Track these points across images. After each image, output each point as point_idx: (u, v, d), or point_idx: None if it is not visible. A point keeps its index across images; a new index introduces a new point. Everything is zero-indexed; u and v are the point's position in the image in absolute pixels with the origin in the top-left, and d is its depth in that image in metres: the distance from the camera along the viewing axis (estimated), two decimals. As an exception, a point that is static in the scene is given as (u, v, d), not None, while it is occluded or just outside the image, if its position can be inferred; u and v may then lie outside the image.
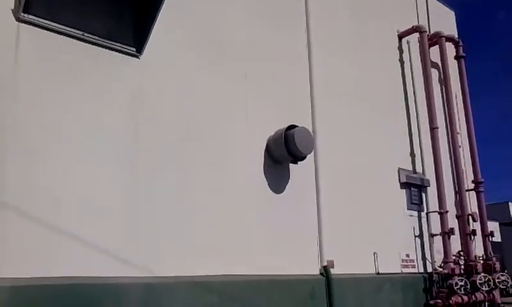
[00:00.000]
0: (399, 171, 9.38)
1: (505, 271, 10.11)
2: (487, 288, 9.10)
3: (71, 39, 5.14)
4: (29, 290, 4.29)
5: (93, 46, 5.32)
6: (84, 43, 5.24)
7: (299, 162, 7.17)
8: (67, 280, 4.55)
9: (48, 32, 4.98)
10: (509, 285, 9.64)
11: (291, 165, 7.23)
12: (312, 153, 7.30)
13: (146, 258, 5.23)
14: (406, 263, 8.83)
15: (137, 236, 5.23)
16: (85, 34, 5.23)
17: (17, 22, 4.78)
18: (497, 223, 19.48)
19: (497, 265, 9.84)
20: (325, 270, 7.14)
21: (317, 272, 7.15)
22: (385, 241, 8.45)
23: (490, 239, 10.40)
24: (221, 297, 5.72)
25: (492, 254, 10.18)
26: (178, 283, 5.37)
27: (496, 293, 9.49)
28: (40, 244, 4.51)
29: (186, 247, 5.64)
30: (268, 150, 6.97)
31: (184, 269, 5.50)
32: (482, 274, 9.16)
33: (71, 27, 5.13)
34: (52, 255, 4.57)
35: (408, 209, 9.39)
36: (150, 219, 5.38)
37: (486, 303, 9.47)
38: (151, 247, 5.31)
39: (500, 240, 18.37)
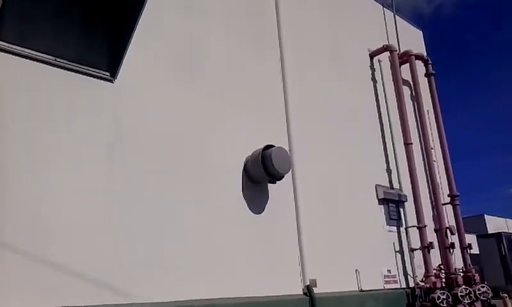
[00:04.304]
0: (376, 188, 9.46)
1: (485, 282, 10.16)
2: (469, 300, 9.15)
3: (43, 64, 5.09)
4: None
5: (66, 71, 5.27)
6: (56, 69, 5.19)
7: (277, 182, 7.17)
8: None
9: (20, 58, 4.92)
10: (489, 296, 9.71)
11: (269, 185, 7.22)
12: (290, 172, 7.30)
13: (127, 283, 5.10)
14: (388, 279, 8.84)
15: (117, 261, 5.11)
16: (57, 59, 5.20)
17: (-12, 49, 4.71)
18: (474, 235, 19.73)
19: (477, 277, 9.94)
20: (308, 290, 7.09)
21: (300, 292, 7.09)
22: (366, 257, 8.45)
23: (468, 251, 10.51)
24: (203, 321, 5.60)
25: (471, 266, 10.28)
26: (160, 309, 5.24)
27: (478, 304, 9.53)
28: (15, 273, 4.36)
29: (165, 270, 5.53)
30: (246, 170, 6.96)
31: (164, 294, 5.38)
32: (463, 287, 9.22)
33: (43, 53, 5.09)
34: (30, 285, 4.42)
35: (387, 225, 9.45)
36: (127, 243, 5.27)
37: (469, 315, 9.50)
38: (129, 272, 5.19)
39: (478, 252, 18.58)
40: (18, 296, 4.35)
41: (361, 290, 8.13)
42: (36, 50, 5.02)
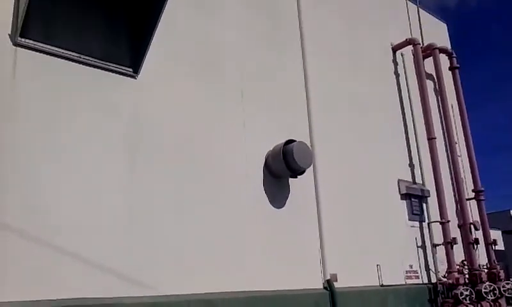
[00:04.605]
0: (398, 183, 9.39)
1: (510, 279, 10.01)
2: (493, 297, 9.03)
3: (68, 61, 5.21)
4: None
5: (90, 67, 5.38)
6: (81, 65, 5.30)
7: (298, 177, 7.18)
8: (67, 302, 4.52)
9: (46, 55, 5.04)
10: (514, 293, 9.57)
11: (290, 180, 7.24)
12: (311, 167, 7.31)
13: (146, 276, 5.20)
14: (409, 274, 8.78)
15: (136, 255, 5.21)
16: (82, 56, 5.30)
17: (15, 47, 4.84)
18: (500, 231, 19.34)
19: (502, 274, 9.80)
20: (328, 284, 7.10)
21: (321, 286, 7.10)
22: (388, 252, 8.41)
23: (493, 247, 10.36)
24: (224, 313, 5.68)
25: (496, 262, 10.14)
26: (181, 302, 5.32)
27: (503, 301, 9.41)
28: (39, 265, 4.49)
29: (187, 264, 5.62)
30: (267, 166, 6.99)
31: (185, 287, 5.47)
32: (487, 283, 9.11)
33: (68, 50, 5.20)
34: (52, 277, 4.55)
35: (409, 220, 9.37)
36: (149, 238, 5.37)
37: (493, 312, 9.38)
38: (151, 266, 5.29)
39: (503, 248, 18.23)
40: (31, 286, 4.48)
41: (382, 285, 8.10)
42: (60, 47, 5.13)
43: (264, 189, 6.88)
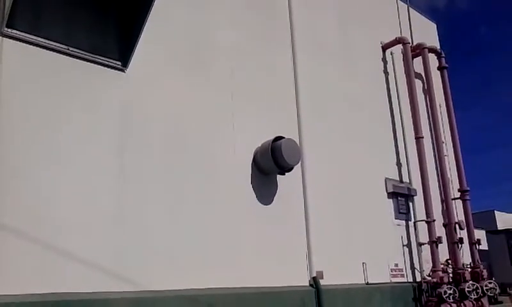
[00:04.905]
0: (385, 181, 9.44)
1: (493, 279, 10.14)
2: (475, 296, 9.14)
3: (56, 53, 5.13)
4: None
5: (78, 60, 5.31)
6: (69, 57, 5.23)
7: (286, 173, 7.18)
8: (56, 296, 4.48)
9: (33, 46, 4.96)
10: (497, 292, 9.69)
11: (278, 177, 7.24)
12: (299, 164, 7.32)
13: (135, 271, 5.18)
14: (395, 273, 8.84)
15: (126, 249, 5.18)
16: (70, 48, 5.23)
17: (1, 37, 4.75)
18: (484, 231, 19.61)
19: (485, 273, 9.92)
20: (314, 281, 7.13)
21: (307, 283, 7.13)
22: (374, 251, 8.46)
23: (477, 247, 10.47)
24: (210, 310, 5.67)
25: (479, 262, 10.25)
26: (168, 297, 5.31)
27: (485, 300, 9.53)
28: (26, 259, 4.45)
29: (174, 260, 5.60)
30: (255, 162, 6.98)
31: (173, 283, 5.45)
32: (470, 282, 9.21)
33: (56, 42, 5.12)
34: (40, 271, 4.51)
35: (395, 218, 9.43)
36: (139, 232, 5.34)
37: (475, 311, 9.49)
38: (139, 261, 5.26)
39: (487, 248, 18.48)
40: (30, 280, 4.43)
41: (368, 283, 8.15)
42: (47, 39, 5.05)
43: (252, 186, 6.87)
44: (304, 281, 7.12)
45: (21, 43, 4.89)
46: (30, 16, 4.98)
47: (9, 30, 4.78)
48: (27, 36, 4.92)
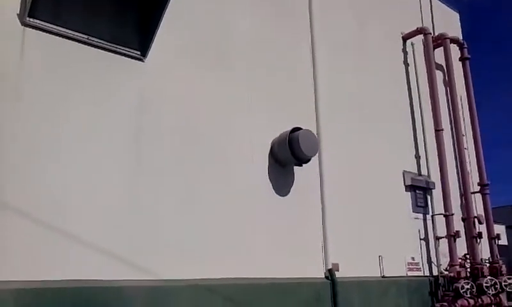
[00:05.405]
0: (403, 174, 9.35)
1: (512, 274, 10.01)
2: (493, 292, 9.03)
3: (76, 43, 5.17)
4: (30, 293, 4.27)
5: (98, 49, 5.34)
6: (89, 47, 5.26)
7: (303, 165, 7.15)
8: (70, 283, 4.55)
9: (54, 36, 5.01)
10: (515, 288, 9.57)
11: (295, 168, 7.22)
12: (317, 155, 7.28)
13: (150, 260, 5.23)
14: (411, 266, 8.78)
15: (140, 238, 5.23)
16: (90, 38, 5.26)
17: (23, 26, 4.80)
18: (504, 226, 19.32)
19: (504, 268, 9.79)
20: (330, 274, 7.12)
21: (322, 276, 7.12)
22: (390, 244, 8.41)
23: (496, 242, 10.34)
24: (225, 300, 5.71)
25: (498, 257, 10.12)
26: (183, 287, 5.36)
27: (503, 296, 9.42)
28: (42, 246, 4.52)
29: (190, 250, 5.64)
30: (272, 153, 6.96)
31: (189, 272, 5.49)
32: (488, 277, 9.11)
33: (76, 31, 5.15)
34: (55, 258, 4.58)
35: (413, 212, 9.35)
36: (153, 222, 5.38)
37: (493, 306, 9.39)
38: (154, 250, 5.31)
39: (506, 243, 18.23)
40: (38, 265, 4.51)
41: (384, 276, 8.12)
42: (69, 29, 5.09)
43: (269, 177, 6.86)
44: (320, 273, 7.12)
45: (42, 32, 4.93)
46: (51, 6, 5.01)
47: (31, 20, 4.82)
48: (49, 26, 4.95)
